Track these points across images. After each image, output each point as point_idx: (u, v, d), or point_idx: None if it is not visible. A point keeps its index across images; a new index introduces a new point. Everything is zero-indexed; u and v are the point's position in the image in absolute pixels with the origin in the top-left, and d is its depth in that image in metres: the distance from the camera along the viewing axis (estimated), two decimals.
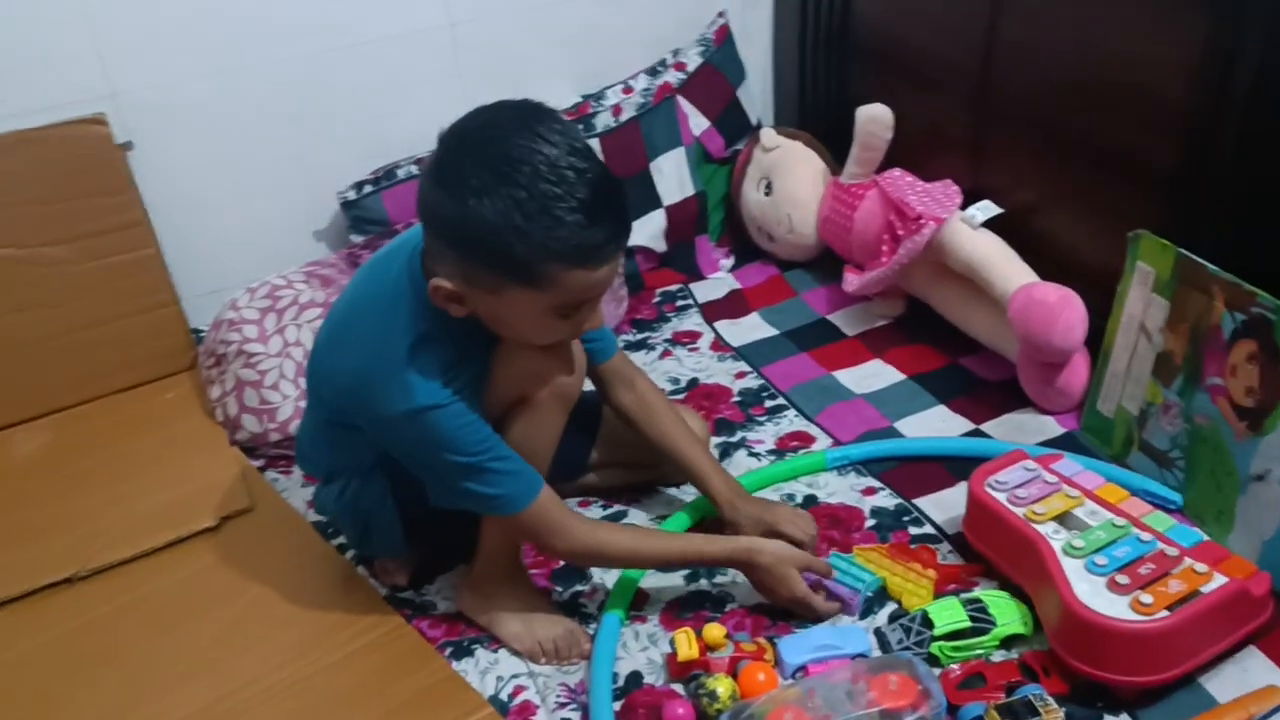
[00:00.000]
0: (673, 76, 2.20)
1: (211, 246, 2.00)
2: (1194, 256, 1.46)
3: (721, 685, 1.26)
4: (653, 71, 2.22)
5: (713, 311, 2.12)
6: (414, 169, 2.03)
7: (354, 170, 2.04)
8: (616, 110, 2.15)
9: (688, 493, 1.63)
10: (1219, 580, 1.24)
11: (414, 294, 1.24)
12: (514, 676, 1.36)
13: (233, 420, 1.79)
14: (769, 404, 1.83)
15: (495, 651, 1.39)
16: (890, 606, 1.40)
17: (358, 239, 2.01)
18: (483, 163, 1.10)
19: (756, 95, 2.36)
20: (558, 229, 1.10)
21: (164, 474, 1.74)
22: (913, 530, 1.52)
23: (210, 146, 1.95)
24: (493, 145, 1.11)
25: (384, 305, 1.25)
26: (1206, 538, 1.35)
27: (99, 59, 1.83)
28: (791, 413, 1.80)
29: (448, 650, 1.40)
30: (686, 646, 1.31)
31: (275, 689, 1.36)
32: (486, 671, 1.37)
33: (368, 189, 2.01)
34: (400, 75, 2.05)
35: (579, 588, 1.48)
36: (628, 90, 2.18)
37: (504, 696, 1.33)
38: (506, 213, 1.09)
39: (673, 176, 2.17)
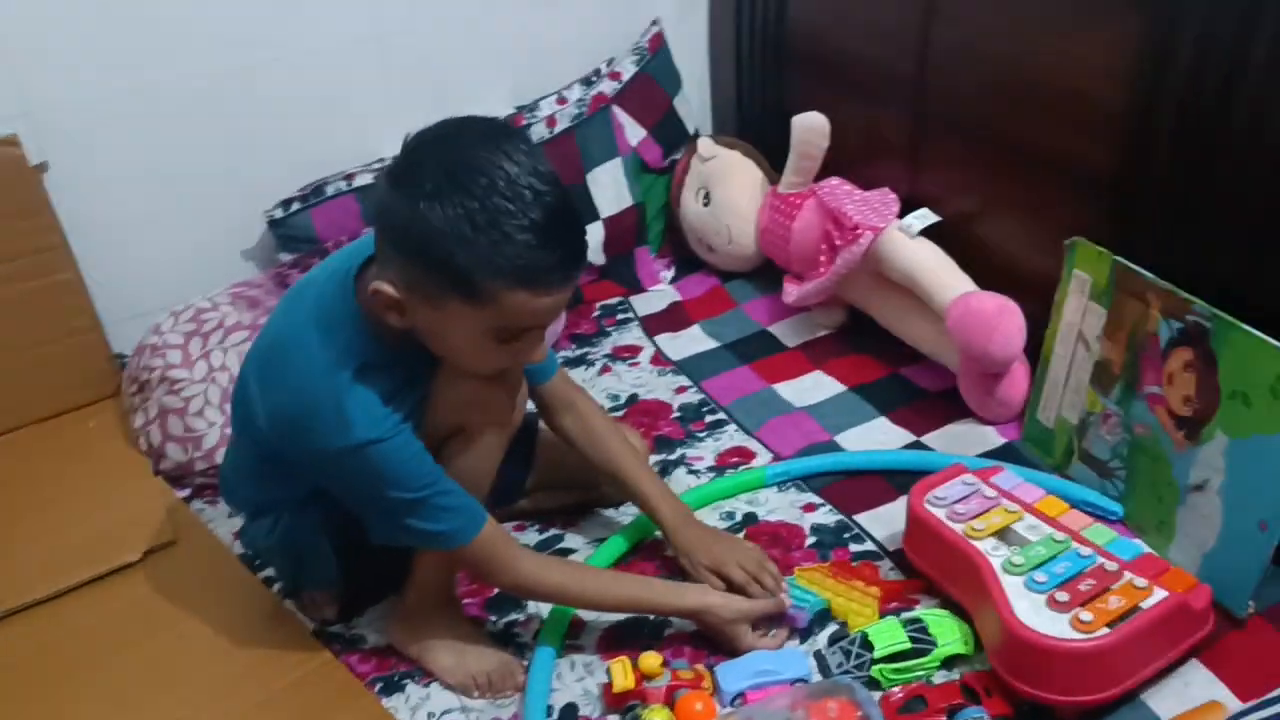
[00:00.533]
0: (607, 86, 2.17)
1: (134, 269, 1.94)
2: (1130, 264, 1.45)
3: (658, 716, 1.23)
4: (587, 81, 2.18)
5: (653, 324, 2.09)
6: (343, 185, 1.98)
7: (281, 188, 1.98)
8: (551, 121, 2.11)
9: (625, 514, 1.59)
10: (1159, 595, 1.23)
11: (351, 321, 1.19)
12: (446, 712, 1.32)
13: (156, 449, 1.73)
14: (709, 419, 1.80)
15: (427, 686, 1.35)
16: (830, 629, 1.37)
17: (286, 258, 1.96)
18: (441, 167, 1.07)
19: (694, 104, 2.33)
20: (504, 245, 1.07)
21: (85, 506, 1.68)
22: (854, 547, 1.50)
23: (130, 166, 1.89)
24: (454, 153, 1.08)
25: (317, 334, 1.19)
26: (1147, 550, 1.34)
27: (11, 78, 1.76)
28: (732, 428, 1.78)
29: (378, 686, 1.36)
30: (622, 676, 1.27)
31: None
32: (418, 708, 1.32)
33: (295, 207, 1.96)
34: (327, 89, 2.00)
35: (514, 617, 1.44)
36: (562, 101, 2.15)
37: None
38: (455, 220, 1.05)
39: (610, 188, 2.13)
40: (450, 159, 1.08)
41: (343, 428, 1.16)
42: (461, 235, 1.06)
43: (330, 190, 1.98)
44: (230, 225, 2.00)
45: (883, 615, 1.37)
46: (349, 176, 2.00)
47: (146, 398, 1.76)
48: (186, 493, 1.72)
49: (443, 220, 1.06)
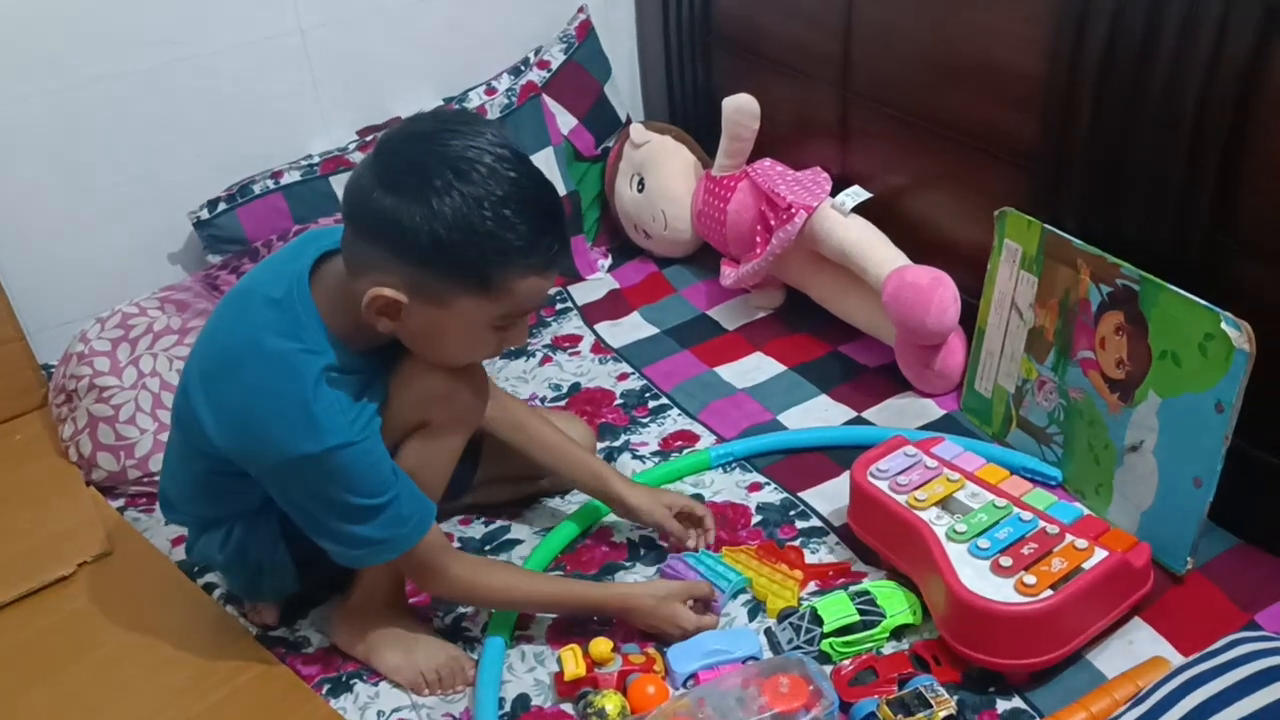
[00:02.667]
0: (536, 75, 2.15)
1: (56, 277, 1.89)
2: (1058, 231, 1.47)
3: (610, 702, 1.22)
4: (515, 71, 2.17)
5: (593, 313, 2.08)
6: (270, 184, 1.95)
7: (206, 188, 1.94)
8: (480, 112, 2.09)
9: (570, 504, 1.58)
10: (1100, 555, 1.24)
11: (311, 325, 1.16)
12: (395, 710, 1.30)
13: (87, 459, 1.69)
14: (652, 405, 1.80)
15: (375, 685, 1.33)
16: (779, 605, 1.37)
17: (215, 260, 1.92)
18: (442, 163, 1.07)
19: (624, 90, 2.32)
20: (512, 232, 1.08)
21: (14, 521, 1.62)
22: (799, 524, 1.50)
23: (48, 171, 1.84)
24: (446, 147, 1.08)
25: (277, 339, 1.16)
26: (1087, 512, 1.36)
27: None
28: (675, 412, 1.77)
29: (325, 688, 1.34)
30: (573, 664, 1.26)
31: None
32: (366, 707, 1.30)
33: (222, 207, 1.92)
34: (250, 85, 1.96)
35: (461, 611, 1.43)
36: (490, 91, 2.13)
37: None
38: (467, 214, 1.06)
39: None
40: (446, 153, 1.08)
41: (311, 432, 1.13)
42: (472, 228, 1.07)
43: (257, 189, 1.94)
44: (155, 228, 1.96)
45: (810, 596, 1.37)
46: (276, 175, 1.96)
47: (75, 407, 1.71)
48: (121, 503, 1.68)
49: (455, 215, 1.06)
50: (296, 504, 1.21)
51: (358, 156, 2.00)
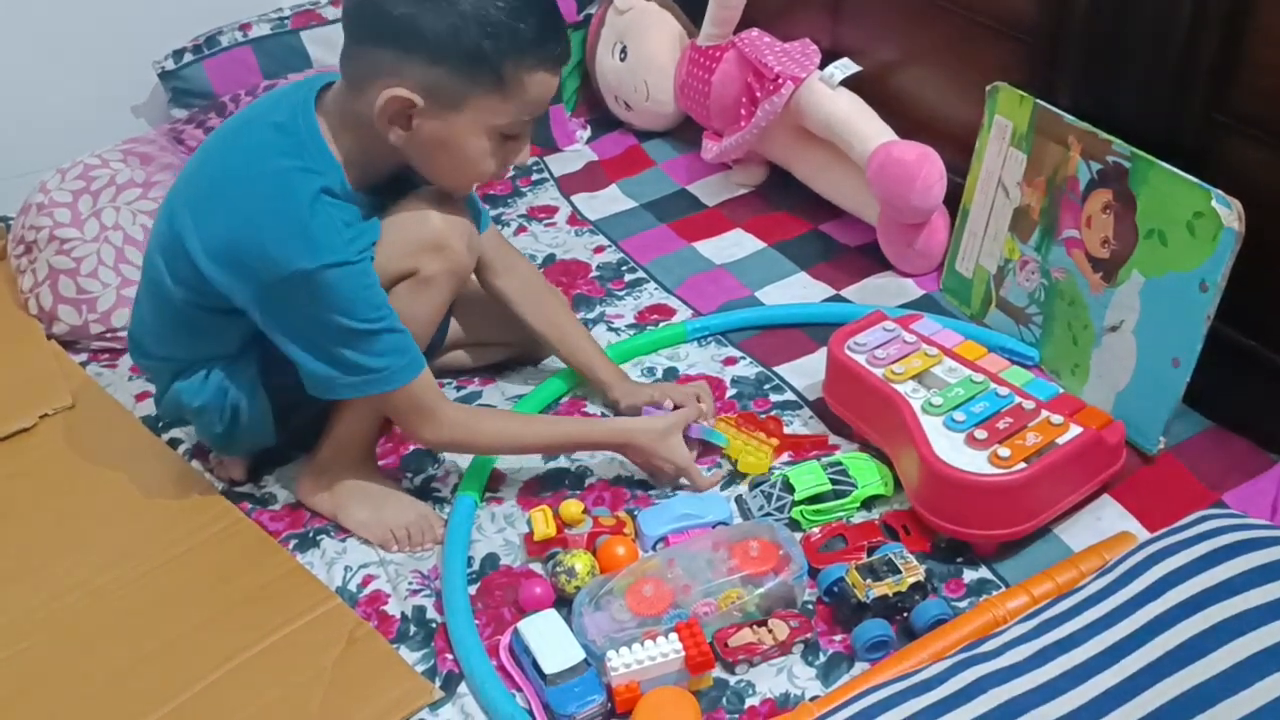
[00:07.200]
0: None
1: (16, 126, 1.83)
2: (1051, 107, 1.43)
3: (579, 561, 1.21)
4: None
5: (570, 184, 2.03)
6: (239, 36, 1.88)
7: (173, 37, 1.87)
8: None
9: (545, 369, 1.56)
10: (1074, 431, 1.24)
11: (315, 148, 1.16)
12: (363, 566, 1.29)
13: (48, 312, 1.65)
14: (628, 278, 1.77)
15: (343, 541, 1.32)
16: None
17: (180, 114, 1.86)
18: None
19: None
20: (524, 23, 1.11)
21: None
22: (774, 397, 1.49)
23: (7, 16, 1.76)
24: None
25: (274, 158, 1.16)
26: (1063, 390, 1.35)
27: None
28: (651, 286, 1.75)
29: (292, 543, 1.33)
30: (543, 525, 1.26)
31: (105, 589, 1.28)
32: (334, 562, 1.30)
33: (188, 58, 1.85)
34: None
35: (431, 472, 1.41)
36: None
37: (353, 587, 1.27)
38: (480, 5, 1.09)
39: None
40: None
41: (307, 247, 1.13)
42: (488, 18, 1.09)
43: (225, 41, 1.87)
44: (118, 78, 1.89)
45: (783, 465, 1.37)
46: (245, 27, 1.89)
47: (34, 259, 1.67)
48: (83, 358, 1.65)
49: (470, 6, 1.08)
50: (291, 327, 1.19)
51: (331, 11, 1.93)
